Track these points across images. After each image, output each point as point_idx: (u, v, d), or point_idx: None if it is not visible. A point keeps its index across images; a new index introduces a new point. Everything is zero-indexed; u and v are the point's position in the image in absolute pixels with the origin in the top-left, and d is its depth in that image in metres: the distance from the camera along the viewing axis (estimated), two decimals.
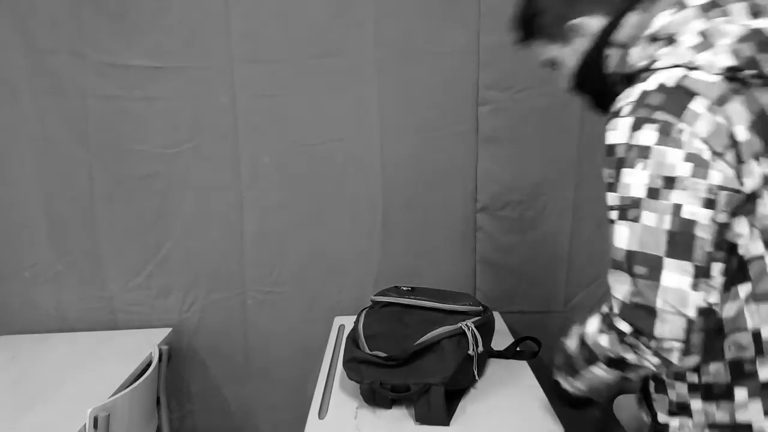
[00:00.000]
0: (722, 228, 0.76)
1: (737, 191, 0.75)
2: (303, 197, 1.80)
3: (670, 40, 0.80)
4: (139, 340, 1.71)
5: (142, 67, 1.71)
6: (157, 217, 1.80)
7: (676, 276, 0.74)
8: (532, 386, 1.27)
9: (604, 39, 0.90)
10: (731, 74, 0.76)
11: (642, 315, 0.76)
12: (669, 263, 0.75)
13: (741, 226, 0.77)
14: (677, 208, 0.74)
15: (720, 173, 0.74)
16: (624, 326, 0.78)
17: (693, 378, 0.84)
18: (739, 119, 0.74)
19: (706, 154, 0.74)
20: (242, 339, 1.88)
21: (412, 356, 1.18)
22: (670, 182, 0.75)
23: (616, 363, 0.83)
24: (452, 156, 1.76)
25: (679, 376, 0.85)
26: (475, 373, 1.21)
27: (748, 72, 0.76)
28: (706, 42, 0.77)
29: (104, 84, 1.72)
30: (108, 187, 1.78)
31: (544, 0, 0.99)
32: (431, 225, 1.80)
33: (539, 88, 1.71)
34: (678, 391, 0.86)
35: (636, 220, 0.77)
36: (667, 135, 0.75)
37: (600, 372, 0.87)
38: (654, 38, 0.82)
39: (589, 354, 0.87)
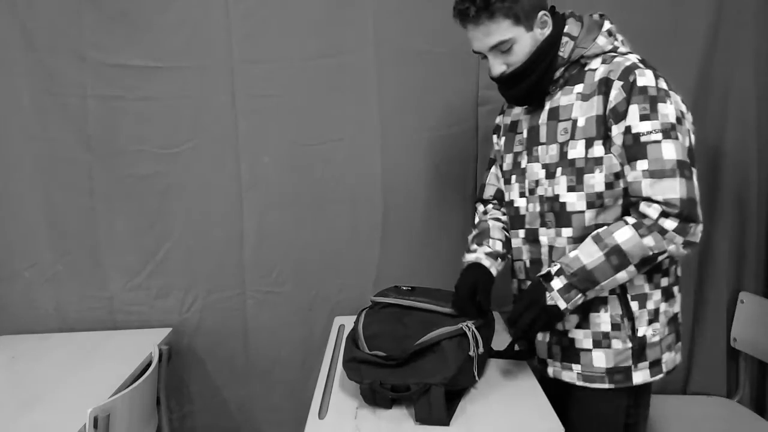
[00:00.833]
0: None
1: None
2: (303, 197, 1.80)
3: (615, 36, 1.18)
4: (139, 340, 1.71)
5: (142, 67, 1.71)
6: (157, 217, 1.80)
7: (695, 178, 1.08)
8: (532, 386, 1.27)
9: (561, 27, 1.17)
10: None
11: (692, 207, 1.05)
12: (694, 169, 1.08)
13: None
14: (689, 131, 1.10)
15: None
16: (670, 224, 1.05)
17: (665, 282, 1.18)
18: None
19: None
20: (242, 339, 1.88)
21: (412, 356, 1.17)
22: (682, 114, 1.09)
23: (648, 261, 1.08)
24: (452, 156, 1.76)
25: (656, 286, 1.17)
26: (476, 373, 1.21)
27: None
28: (626, 47, 1.20)
29: (104, 84, 1.72)
30: (108, 187, 1.78)
31: None
32: (431, 225, 1.81)
33: None
34: (654, 298, 1.17)
35: (677, 138, 1.06)
36: (668, 84, 1.10)
37: (623, 275, 1.09)
38: (610, 33, 1.17)
39: (622, 260, 1.08)
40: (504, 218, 1.42)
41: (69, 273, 1.83)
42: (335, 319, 1.79)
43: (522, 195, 1.29)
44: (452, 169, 1.78)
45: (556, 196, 1.19)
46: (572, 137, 1.15)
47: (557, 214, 1.20)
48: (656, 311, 1.17)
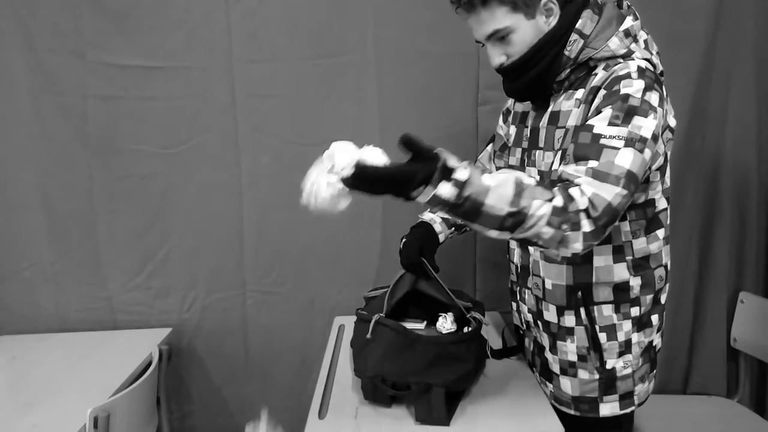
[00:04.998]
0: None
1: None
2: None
3: (636, 38, 1.05)
4: (139, 340, 1.71)
5: (142, 67, 1.71)
6: (157, 217, 1.80)
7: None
8: (532, 386, 1.27)
9: (571, 27, 1.05)
10: (660, 76, 1.06)
11: (610, 221, 0.93)
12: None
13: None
14: (665, 155, 1.05)
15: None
16: (587, 225, 0.91)
17: (635, 312, 1.11)
18: (669, 108, 1.08)
19: (674, 123, 1.09)
20: (242, 339, 1.88)
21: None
22: (659, 138, 1.00)
23: (527, 242, 0.95)
24: None
25: (625, 316, 1.11)
26: (476, 374, 1.21)
27: (662, 78, 1.07)
28: (648, 48, 1.07)
29: (104, 84, 1.72)
30: (108, 187, 1.78)
31: None
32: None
33: None
34: (624, 329, 1.11)
35: (641, 151, 0.95)
36: (662, 101, 1.00)
37: (493, 234, 0.94)
38: (627, 34, 1.04)
39: (514, 224, 0.91)
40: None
41: (69, 273, 1.83)
42: (335, 319, 1.79)
43: None
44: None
45: None
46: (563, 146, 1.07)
47: None
48: (627, 342, 1.11)
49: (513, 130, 1.29)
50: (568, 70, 1.07)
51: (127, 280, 1.84)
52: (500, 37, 1.07)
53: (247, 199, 1.80)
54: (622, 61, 1.02)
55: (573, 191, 0.92)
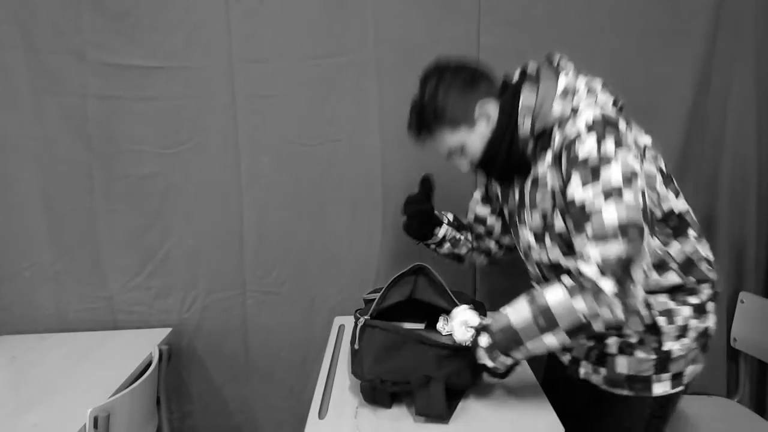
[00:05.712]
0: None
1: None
2: (303, 197, 1.80)
3: (575, 91, 1.10)
4: (139, 340, 1.71)
5: (142, 67, 1.71)
6: (157, 217, 1.80)
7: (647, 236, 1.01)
8: (532, 386, 1.27)
9: (512, 113, 1.12)
10: (616, 106, 1.12)
11: (628, 268, 0.96)
12: (644, 227, 0.99)
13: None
14: (642, 192, 1.01)
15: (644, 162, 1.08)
16: (606, 284, 0.96)
17: (693, 300, 1.14)
18: (636, 130, 1.10)
19: (637, 153, 1.04)
20: (242, 339, 1.88)
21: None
22: (634, 175, 1.00)
23: (582, 328, 0.99)
24: None
25: (683, 303, 1.13)
26: (476, 374, 1.21)
27: (619, 103, 1.14)
28: (592, 90, 1.10)
29: (104, 84, 1.72)
30: (108, 187, 1.78)
31: (443, 93, 1.15)
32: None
33: None
34: (683, 314, 1.13)
35: (620, 197, 0.97)
36: (619, 143, 1.01)
37: (551, 340, 1.02)
38: (565, 93, 1.09)
39: (549, 322, 1.00)
40: (468, 240, 1.50)
41: (69, 273, 1.83)
42: (335, 319, 1.79)
43: (522, 255, 1.30)
44: (452, 169, 1.77)
45: (556, 264, 1.17)
46: (553, 207, 1.12)
47: (558, 274, 1.15)
48: (685, 327, 1.14)
49: (497, 187, 1.37)
50: (532, 141, 1.13)
51: (127, 280, 1.84)
52: (456, 152, 1.20)
53: (247, 199, 1.80)
54: (571, 116, 1.07)
55: (581, 265, 0.99)
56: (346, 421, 1.14)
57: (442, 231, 1.47)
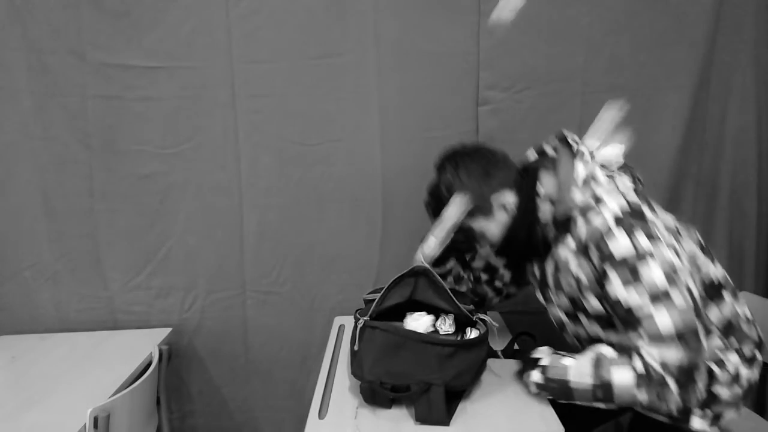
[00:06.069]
0: None
1: None
2: (303, 197, 1.80)
3: (595, 178, 1.09)
4: (139, 340, 1.71)
5: (142, 67, 1.71)
6: (157, 216, 1.80)
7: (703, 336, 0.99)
8: None
9: (531, 200, 1.14)
10: (636, 188, 1.12)
11: (691, 374, 0.97)
12: (699, 327, 0.98)
13: None
14: (687, 286, 0.99)
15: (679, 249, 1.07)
16: (674, 385, 0.96)
17: (745, 352, 1.16)
18: (658, 209, 1.11)
19: (671, 238, 1.04)
20: (242, 339, 1.88)
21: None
22: (673, 268, 0.99)
23: (632, 406, 1.01)
24: None
25: (749, 360, 1.15)
26: (476, 374, 1.21)
27: (640, 186, 1.16)
28: (611, 175, 1.11)
29: (104, 84, 1.72)
30: (108, 187, 1.78)
31: (459, 185, 1.17)
32: (431, 225, 1.80)
33: (539, 88, 1.72)
34: (732, 361, 1.13)
35: (671, 303, 0.97)
36: (650, 235, 1.00)
37: (600, 405, 1.04)
38: (586, 182, 1.09)
39: (606, 396, 1.02)
40: (469, 281, 1.50)
41: (69, 273, 1.83)
42: (335, 319, 1.79)
43: (556, 326, 1.31)
44: None
45: (596, 338, 1.17)
46: (581, 293, 1.13)
47: (596, 340, 1.19)
48: (737, 375, 1.14)
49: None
50: (553, 228, 1.15)
51: (128, 280, 1.84)
52: (478, 236, 1.22)
53: (247, 199, 1.80)
54: (594, 205, 1.07)
55: (646, 357, 0.98)
56: (346, 422, 1.14)
57: (450, 264, 1.46)
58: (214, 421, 1.95)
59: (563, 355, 1.13)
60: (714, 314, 1.14)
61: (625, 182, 1.12)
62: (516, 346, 1.44)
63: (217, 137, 1.76)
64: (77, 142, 1.75)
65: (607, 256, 1.01)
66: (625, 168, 1.17)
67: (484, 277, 1.47)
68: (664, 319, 0.97)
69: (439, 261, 1.40)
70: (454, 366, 1.16)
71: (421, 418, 1.12)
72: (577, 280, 1.11)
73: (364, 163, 1.78)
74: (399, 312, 1.33)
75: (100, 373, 1.51)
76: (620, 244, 1.00)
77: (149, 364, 1.51)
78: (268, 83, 1.73)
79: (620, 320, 1.04)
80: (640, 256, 0.98)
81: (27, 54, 1.70)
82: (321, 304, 1.87)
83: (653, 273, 0.97)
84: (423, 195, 1.78)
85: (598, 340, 1.16)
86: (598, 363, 1.04)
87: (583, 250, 1.07)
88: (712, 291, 1.15)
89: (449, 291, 1.31)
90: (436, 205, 1.23)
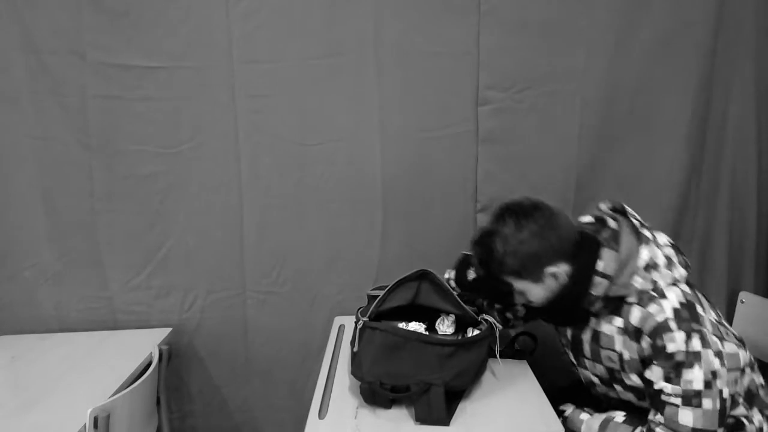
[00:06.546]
0: None
1: None
2: (303, 197, 1.80)
3: (656, 266, 1.10)
4: (139, 340, 1.71)
5: (142, 67, 1.71)
6: (157, 216, 1.80)
7: None
8: (532, 386, 1.27)
9: (586, 274, 1.12)
10: (688, 273, 1.13)
11: None
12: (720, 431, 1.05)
13: None
14: (720, 392, 1.04)
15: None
16: None
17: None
18: (704, 302, 1.14)
19: (719, 345, 1.07)
20: (242, 339, 1.88)
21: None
22: (714, 375, 1.04)
23: None
24: (452, 156, 1.76)
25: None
26: (476, 374, 1.21)
27: (689, 271, 1.15)
28: (670, 262, 1.11)
29: (104, 84, 1.72)
30: (108, 187, 1.78)
31: (514, 248, 1.12)
32: (431, 225, 1.81)
33: (539, 88, 1.71)
34: (756, 418, 1.18)
35: (699, 406, 1.03)
36: (704, 340, 1.04)
37: None
38: (648, 268, 1.10)
39: None
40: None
41: (69, 273, 1.83)
42: (335, 319, 1.79)
43: (584, 382, 1.33)
44: (452, 169, 1.78)
45: (627, 402, 1.22)
46: (623, 369, 1.16)
47: (624, 402, 1.23)
48: (761, 430, 1.18)
49: None
50: (601, 302, 1.14)
51: (128, 280, 1.84)
52: (517, 293, 1.20)
53: (247, 199, 1.80)
54: (654, 294, 1.09)
55: None
56: (346, 421, 1.14)
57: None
58: (214, 421, 1.95)
59: (583, 410, 1.23)
60: (738, 385, 1.18)
61: (680, 271, 1.13)
62: (516, 346, 1.44)
63: (217, 137, 1.76)
64: (77, 142, 1.75)
65: (659, 349, 1.06)
66: (674, 247, 1.17)
67: (497, 306, 1.47)
68: (686, 417, 1.04)
69: (466, 290, 1.40)
70: (454, 366, 1.16)
71: (421, 418, 1.12)
72: (620, 357, 1.14)
73: (364, 163, 1.78)
74: (400, 313, 1.33)
75: (100, 373, 1.51)
76: (675, 343, 1.04)
77: (149, 364, 1.51)
78: (268, 83, 1.73)
79: (647, 394, 1.11)
80: (689, 358, 1.03)
81: (27, 54, 1.70)
82: (321, 304, 1.87)
83: (694, 376, 1.03)
84: (423, 195, 1.79)
85: (627, 403, 1.21)
86: (605, 425, 1.15)
87: (632, 332, 1.10)
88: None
89: (454, 293, 1.31)
90: (481, 255, 1.19)
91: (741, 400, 1.17)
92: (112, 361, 1.59)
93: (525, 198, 1.18)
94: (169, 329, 1.81)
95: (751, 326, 1.75)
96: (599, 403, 1.33)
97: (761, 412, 1.20)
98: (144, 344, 1.66)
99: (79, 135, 1.74)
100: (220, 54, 1.71)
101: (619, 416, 1.16)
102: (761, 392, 1.21)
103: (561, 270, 1.13)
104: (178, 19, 1.69)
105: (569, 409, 1.25)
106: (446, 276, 1.44)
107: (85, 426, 1.20)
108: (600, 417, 1.17)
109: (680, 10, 1.68)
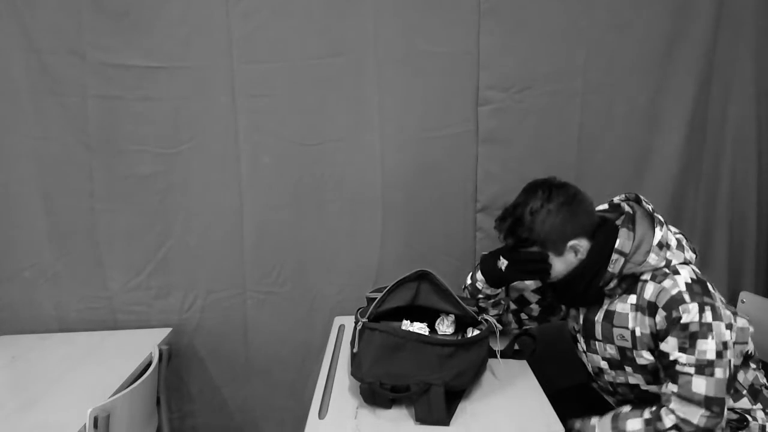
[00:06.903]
0: None
1: None
2: (303, 197, 1.80)
3: (668, 245, 1.16)
4: (139, 340, 1.71)
5: (142, 67, 1.71)
6: (157, 217, 1.80)
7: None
8: (532, 386, 1.27)
9: (606, 251, 1.18)
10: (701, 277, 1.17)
11: None
12: (727, 399, 1.10)
13: None
14: (729, 362, 1.10)
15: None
16: None
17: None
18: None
19: (731, 319, 1.13)
20: (242, 339, 1.88)
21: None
22: (725, 345, 1.09)
23: None
24: (452, 156, 1.76)
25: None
26: (476, 374, 1.21)
27: (697, 257, 1.22)
28: (680, 245, 1.17)
29: (104, 84, 1.72)
30: (108, 187, 1.78)
31: (542, 221, 1.18)
32: (431, 225, 1.81)
33: (539, 88, 1.72)
34: (759, 415, 1.21)
35: (711, 375, 1.08)
36: (716, 313, 1.09)
37: None
38: (661, 246, 1.15)
39: None
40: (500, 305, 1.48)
41: (69, 273, 1.83)
42: (335, 319, 1.79)
43: (591, 373, 1.35)
44: (452, 169, 1.78)
45: (634, 385, 1.25)
46: (635, 347, 1.19)
47: (635, 394, 1.26)
48: (764, 427, 1.21)
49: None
50: (616, 281, 1.19)
51: (128, 280, 1.84)
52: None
53: (247, 199, 1.80)
54: (667, 271, 1.14)
55: (662, 411, 1.12)
56: (346, 422, 1.14)
57: (501, 290, 1.44)
58: (214, 421, 1.95)
59: (590, 418, 1.24)
60: (741, 377, 1.23)
61: (690, 254, 1.19)
62: (516, 347, 1.44)
63: (217, 137, 1.76)
64: (77, 142, 1.75)
65: (674, 321, 1.10)
66: (682, 236, 1.22)
67: (513, 306, 1.49)
68: (700, 385, 1.08)
69: (499, 283, 1.38)
70: (453, 366, 1.16)
71: (421, 418, 1.12)
72: (632, 333, 1.17)
73: (364, 163, 1.78)
74: (400, 314, 1.33)
75: (100, 373, 1.51)
76: (689, 314, 1.09)
77: (149, 364, 1.51)
78: (268, 83, 1.73)
79: (662, 366, 1.14)
80: (702, 329, 1.08)
81: (27, 54, 1.70)
82: (321, 304, 1.87)
83: (708, 347, 1.08)
84: (423, 195, 1.80)
85: (634, 387, 1.24)
86: (616, 417, 1.18)
87: (646, 308, 1.14)
88: (744, 359, 1.24)
89: (455, 295, 1.31)
90: (510, 227, 1.23)
91: (745, 392, 1.21)
92: (112, 361, 1.59)
93: (553, 177, 1.25)
94: (169, 329, 1.81)
95: (751, 326, 1.75)
96: (601, 404, 1.34)
97: (764, 410, 1.22)
98: (144, 344, 1.66)
99: (79, 135, 1.75)
100: (220, 54, 1.71)
101: (626, 408, 1.19)
102: (765, 392, 1.24)
103: (582, 245, 1.19)
104: (178, 19, 1.69)
105: (578, 423, 1.27)
106: (468, 282, 1.44)
107: (85, 426, 1.20)
108: (609, 414, 1.20)
109: (680, 11, 1.68)
